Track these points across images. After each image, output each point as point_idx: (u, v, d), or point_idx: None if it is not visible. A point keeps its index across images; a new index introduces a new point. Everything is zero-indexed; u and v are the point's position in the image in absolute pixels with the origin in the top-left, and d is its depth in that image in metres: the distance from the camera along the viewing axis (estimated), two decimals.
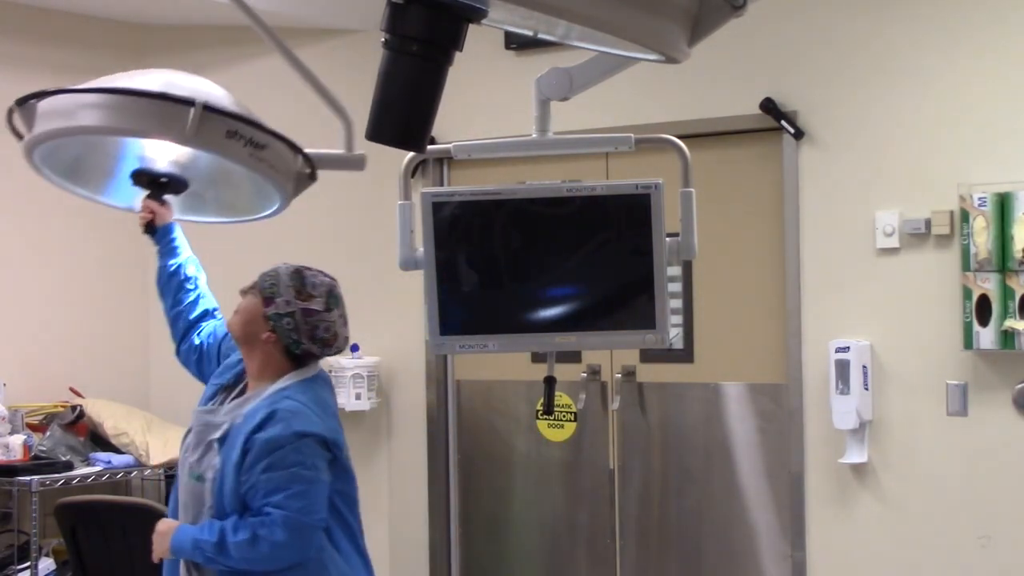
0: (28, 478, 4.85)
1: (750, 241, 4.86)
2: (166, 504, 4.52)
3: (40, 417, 5.33)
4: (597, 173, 4.91)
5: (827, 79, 4.66)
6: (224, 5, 4.99)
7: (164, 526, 2.93)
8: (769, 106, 4.66)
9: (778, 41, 4.71)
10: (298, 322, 2.93)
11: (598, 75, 2.33)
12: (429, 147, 1.85)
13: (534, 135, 2.44)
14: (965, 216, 4.30)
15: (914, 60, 4.52)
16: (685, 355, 4.97)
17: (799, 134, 4.66)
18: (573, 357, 5.09)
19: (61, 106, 2.21)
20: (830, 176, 4.65)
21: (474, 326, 2.43)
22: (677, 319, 2.44)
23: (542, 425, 5.28)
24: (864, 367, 4.51)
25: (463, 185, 2.97)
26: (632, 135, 2.45)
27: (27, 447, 5.03)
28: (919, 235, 4.46)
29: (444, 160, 5.31)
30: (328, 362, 3.10)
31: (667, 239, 2.37)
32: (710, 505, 4.97)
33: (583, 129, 3.59)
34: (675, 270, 2.41)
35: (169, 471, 5.34)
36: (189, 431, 3.00)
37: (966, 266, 4.30)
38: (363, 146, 2.40)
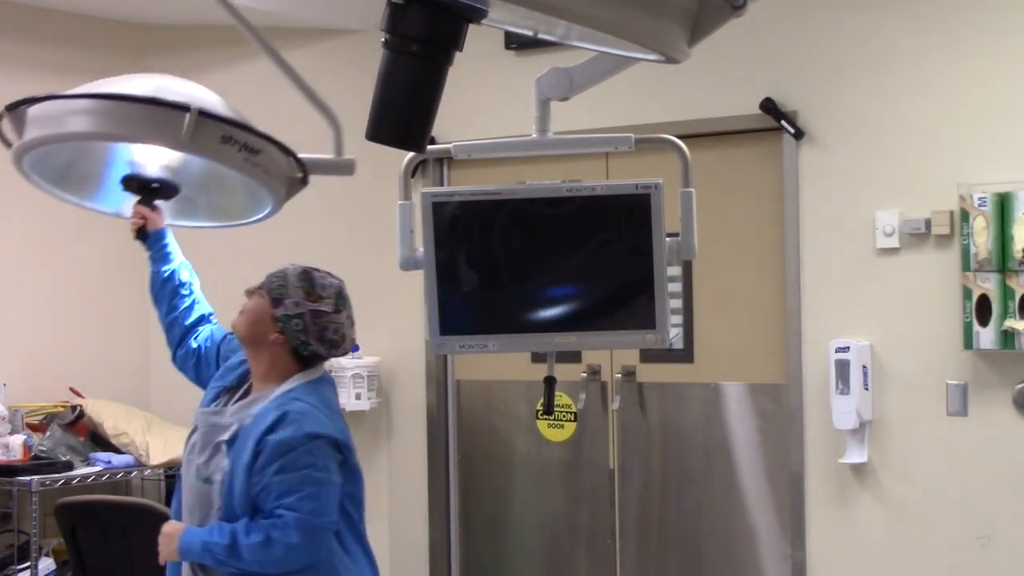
0: (28, 478, 4.85)
1: (750, 241, 4.86)
2: (166, 504, 4.54)
3: (40, 417, 5.33)
4: (597, 173, 4.91)
5: (827, 79, 4.66)
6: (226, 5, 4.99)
7: (170, 528, 2.91)
8: (769, 106, 4.67)
9: (778, 41, 4.71)
10: (307, 323, 2.92)
11: (598, 75, 2.33)
12: (429, 147, 1.85)
13: (534, 135, 2.44)
14: (965, 216, 4.30)
15: (914, 60, 4.52)
16: (685, 355, 4.97)
17: (799, 134, 4.66)
18: (573, 357, 5.09)
19: (52, 112, 2.19)
20: (830, 176, 4.65)
21: (474, 326, 2.42)
22: (677, 319, 2.44)
23: (542, 425, 5.28)
24: (864, 367, 4.51)
25: (463, 185, 2.97)
26: (632, 135, 2.45)
27: (27, 447, 5.03)
28: (919, 235, 4.46)
29: (444, 160, 5.31)
30: (328, 362, 3.09)
31: (667, 239, 2.36)
32: (710, 505, 4.97)
33: (583, 129, 3.59)
34: (675, 270, 2.41)
35: (169, 471, 5.34)
36: (193, 432, 2.99)
37: (966, 266, 4.30)
38: (352, 150, 2.40)
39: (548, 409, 2.56)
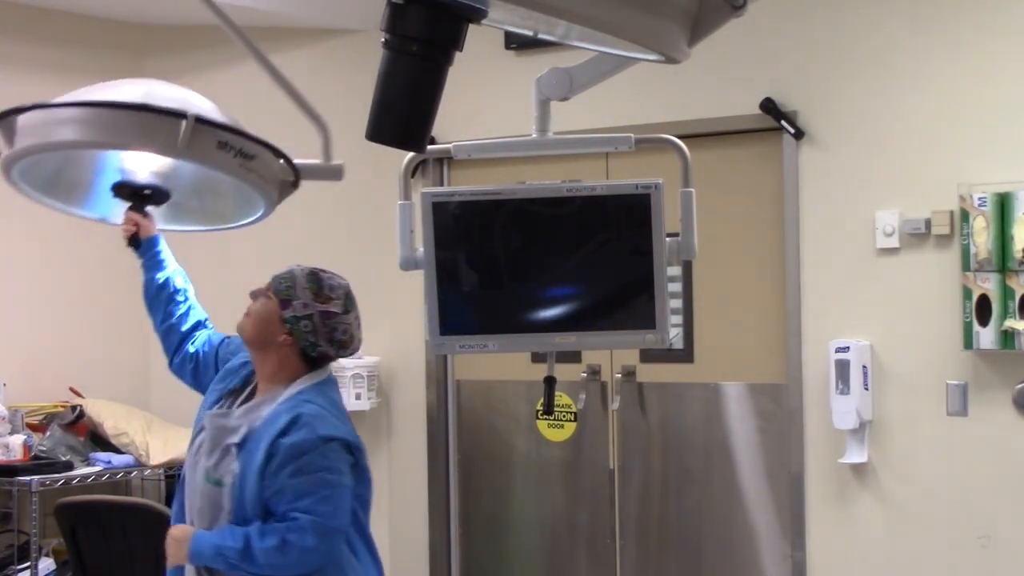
0: (28, 478, 4.85)
1: (750, 241, 4.86)
2: (166, 504, 4.54)
3: (40, 417, 5.33)
4: (597, 173, 4.91)
5: (827, 79, 4.66)
6: (225, 5, 4.99)
7: (179, 532, 2.87)
8: (769, 106, 4.67)
9: (778, 41, 4.71)
10: (316, 324, 2.91)
11: (598, 75, 2.33)
12: (429, 147, 1.85)
13: (534, 135, 2.44)
14: (965, 216, 4.30)
15: (914, 60, 4.52)
16: (685, 355, 4.97)
17: (799, 134, 4.66)
18: (573, 357, 5.09)
19: (44, 120, 2.16)
20: (830, 176, 4.65)
21: (474, 326, 2.42)
22: (677, 319, 2.44)
23: (542, 425, 5.28)
24: (864, 367, 4.51)
25: (463, 185, 2.97)
26: (632, 135, 2.45)
27: (27, 447, 5.03)
28: (919, 235, 4.46)
29: (444, 160, 5.31)
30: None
31: (667, 239, 2.36)
32: (710, 505, 4.97)
33: (583, 129, 3.59)
34: (675, 270, 2.41)
35: (169, 471, 5.34)
36: (198, 433, 2.96)
37: (966, 266, 4.30)
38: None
39: (548, 409, 2.56)
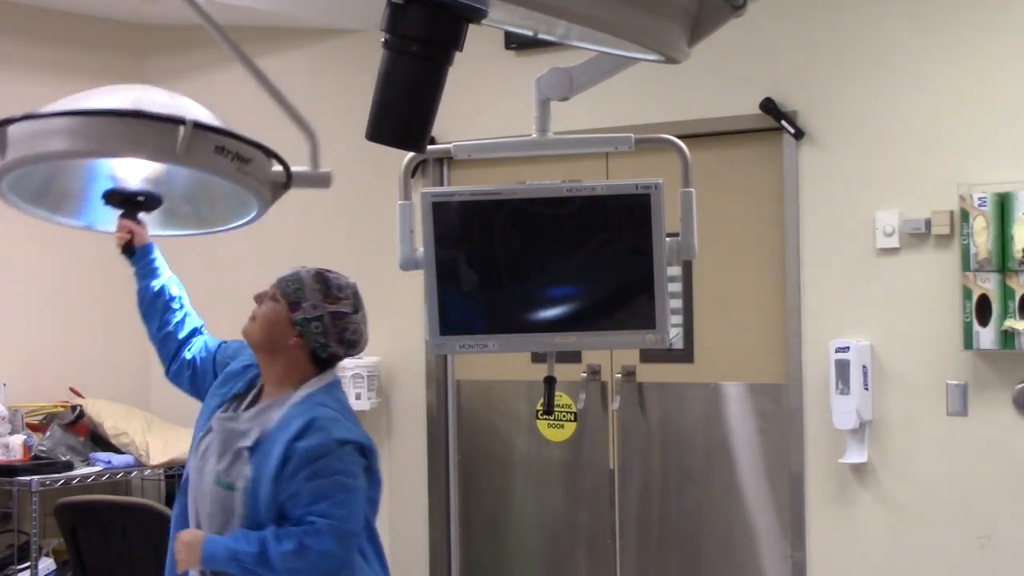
0: (28, 478, 4.85)
1: (750, 241, 4.86)
2: (166, 504, 4.54)
3: (40, 417, 5.33)
4: (597, 173, 4.91)
5: (827, 79, 4.66)
6: (224, 5, 4.99)
7: (190, 537, 2.83)
8: (769, 106, 4.67)
9: (778, 41, 4.71)
10: (326, 325, 2.90)
11: (598, 75, 2.33)
12: (429, 147, 1.85)
13: (534, 135, 2.44)
14: (965, 216, 4.30)
15: (914, 60, 4.52)
16: (685, 355, 4.97)
17: (799, 134, 4.66)
18: (573, 357, 5.09)
19: (37, 131, 2.12)
20: (830, 176, 4.65)
21: (474, 326, 2.42)
22: (677, 319, 2.44)
23: (542, 425, 5.28)
24: (864, 367, 4.51)
25: (463, 185, 2.97)
26: (632, 135, 2.45)
27: (27, 447, 5.03)
28: (919, 235, 4.46)
29: (444, 160, 5.31)
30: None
31: (667, 239, 2.36)
32: (710, 505, 4.97)
33: (583, 129, 3.59)
34: (675, 270, 2.41)
35: (169, 471, 5.34)
36: (204, 436, 2.93)
37: (966, 266, 4.30)
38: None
39: (548, 409, 2.56)
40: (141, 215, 2.64)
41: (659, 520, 5.10)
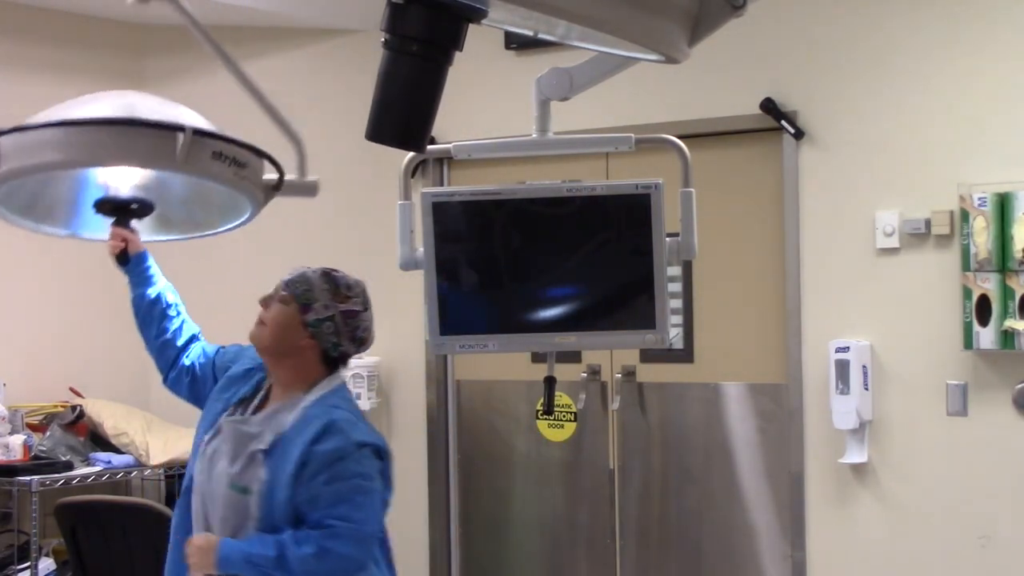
0: (28, 478, 4.85)
1: (750, 241, 4.86)
2: (166, 504, 4.54)
3: (40, 417, 5.33)
4: (597, 173, 4.91)
5: (827, 79, 4.66)
6: (224, 5, 4.99)
7: (203, 541, 2.79)
8: (769, 106, 4.67)
9: (778, 41, 4.71)
10: (338, 325, 2.89)
11: (598, 75, 2.33)
12: (429, 147, 1.85)
13: (534, 135, 2.44)
14: (965, 216, 4.30)
15: (914, 60, 4.52)
16: (685, 355, 4.97)
17: (799, 134, 4.66)
18: (573, 357, 5.09)
19: (32, 142, 2.10)
20: (830, 176, 4.65)
21: (474, 326, 2.42)
22: (677, 319, 2.44)
23: (542, 425, 5.28)
24: (864, 367, 4.51)
25: (463, 185, 2.97)
26: (632, 135, 2.45)
27: (27, 447, 5.03)
28: (919, 235, 4.46)
29: (444, 160, 5.31)
30: None
31: (667, 239, 2.36)
32: (710, 505, 4.97)
33: (583, 129, 3.59)
34: (675, 270, 2.41)
35: (169, 471, 5.34)
36: (211, 439, 2.90)
37: (966, 266, 4.30)
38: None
39: (548, 409, 2.56)
40: (133, 222, 2.61)
41: (659, 520, 5.10)
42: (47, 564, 4.99)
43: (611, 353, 5.09)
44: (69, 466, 5.06)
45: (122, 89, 2.38)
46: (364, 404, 5.32)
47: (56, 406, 5.36)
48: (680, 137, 2.50)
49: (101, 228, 2.64)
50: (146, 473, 5.38)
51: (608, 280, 2.42)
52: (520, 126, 2.55)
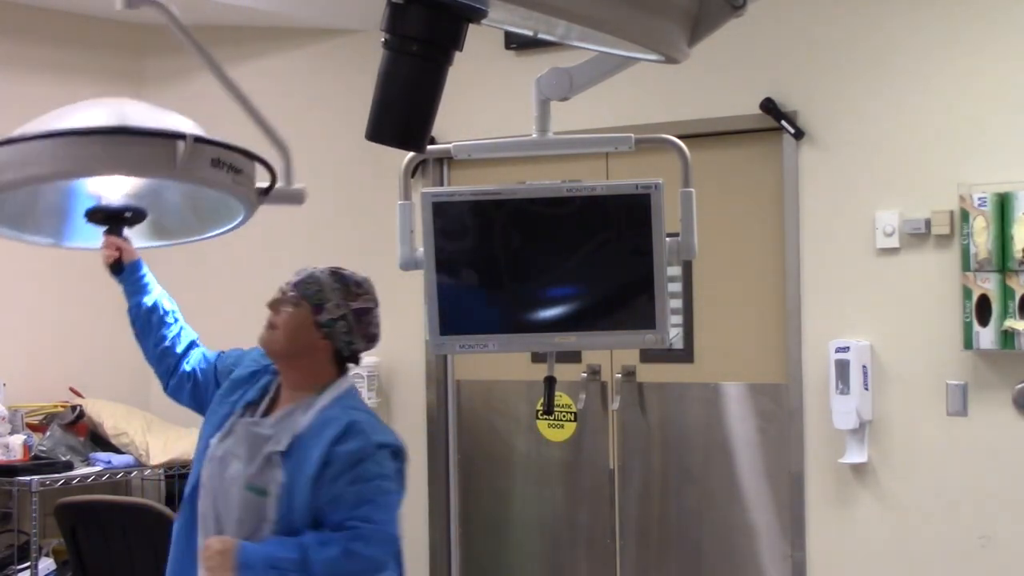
0: (28, 478, 4.85)
1: (750, 241, 4.86)
2: (167, 505, 4.54)
3: (40, 417, 5.33)
4: (597, 173, 4.91)
5: (827, 79, 4.66)
6: (224, 5, 4.99)
7: (220, 544, 2.74)
8: (769, 106, 4.67)
9: (778, 41, 4.71)
10: (351, 323, 2.90)
11: (598, 75, 2.33)
12: (429, 147, 1.85)
13: (534, 135, 2.44)
14: (965, 216, 4.30)
15: (914, 60, 4.52)
16: (685, 355, 4.97)
17: (799, 134, 4.66)
18: (573, 357, 5.09)
19: (28, 152, 2.04)
20: (830, 176, 4.65)
21: (474, 326, 2.42)
22: (677, 319, 2.44)
23: (542, 425, 5.28)
24: (864, 367, 4.51)
25: (463, 185, 2.97)
26: (632, 135, 2.45)
27: (27, 447, 5.03)
28: (919, 235, 4.46)
29: (444, 160, 5.31)
30: None
31: (667, 239, 2.36)
32: (710, 505, 4.97)
33: (583, 129, 3.59)
34: (675, 270, 2.41)
35: (169, 471, 5.34)
36: (222, 440, 2.87)
37: (966, 266, 4.30)
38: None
39: (548, 409, 2.55)
40: (125, 230, 2.56)
41: (659, 520, 5.10)
42: (47, 564, 4.99)
43: (611, 353, 5.09)
44: (69, 466, 5.05)
45: (122, 90, 2.37)
46: None
47: (56, 406, 5.36)
48: (680, 137, 2.50)
49: (92, 237, 2.59)
50: (146, 473, 5.38)
51: (608, 280, 2.42)
52: (520, 126, 2.55)
